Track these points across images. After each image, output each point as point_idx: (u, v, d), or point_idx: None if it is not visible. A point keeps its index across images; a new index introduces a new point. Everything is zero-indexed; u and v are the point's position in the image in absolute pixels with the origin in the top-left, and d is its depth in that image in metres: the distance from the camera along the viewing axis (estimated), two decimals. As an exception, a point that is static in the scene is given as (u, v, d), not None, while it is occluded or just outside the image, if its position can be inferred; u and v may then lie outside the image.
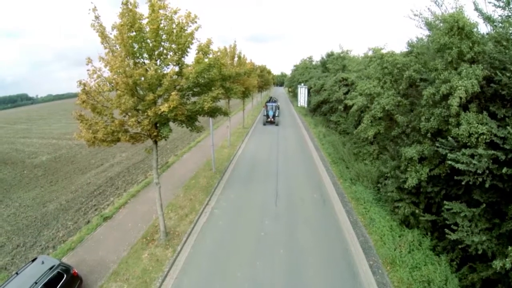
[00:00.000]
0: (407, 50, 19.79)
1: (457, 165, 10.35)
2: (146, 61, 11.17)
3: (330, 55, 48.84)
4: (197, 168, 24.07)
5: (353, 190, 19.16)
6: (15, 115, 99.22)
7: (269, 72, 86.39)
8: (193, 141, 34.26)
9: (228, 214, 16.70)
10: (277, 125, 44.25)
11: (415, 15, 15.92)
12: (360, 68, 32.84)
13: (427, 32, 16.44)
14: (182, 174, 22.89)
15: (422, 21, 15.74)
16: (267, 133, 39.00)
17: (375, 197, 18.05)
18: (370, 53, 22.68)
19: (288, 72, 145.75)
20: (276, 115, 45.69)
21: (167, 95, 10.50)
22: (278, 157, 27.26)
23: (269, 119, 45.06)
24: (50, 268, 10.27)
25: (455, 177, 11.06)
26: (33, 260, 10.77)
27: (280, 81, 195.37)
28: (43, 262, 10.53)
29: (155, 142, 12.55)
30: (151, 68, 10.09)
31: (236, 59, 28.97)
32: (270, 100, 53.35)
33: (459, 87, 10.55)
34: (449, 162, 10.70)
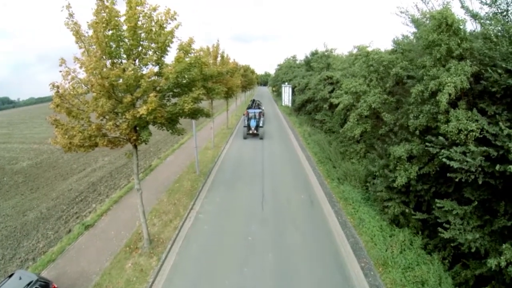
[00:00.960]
0: (392, 48, 19.70)
1: (451, 163, 10.11)
2: (124, 61, 10.47)
3: (314, 53, 48.74)
4: (181, 171, 23.33)
5: (341, 190, 18.88)
6: (1, 118, 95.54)
7: (252, 72, 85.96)
8: (177, 143, 33.42)
9: (213, 218, 16.10)
10: (261, 138, 34.32)
11: (401, 12, 15.82)
12: (345, 66, 32.79)
13: (413, 30, 16.39)
14: (166, 177, 22.13)
15: (409, 18, 15.63)
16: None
17: (364, 196, 17.82)
18: (355, 51, 22.48)
19: (272, 71, 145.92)
20: (260, 125, 35.87)
21: (146, 96, 9.84)
22: (264, 157, 26.80)
23: (250, 131, 34.82)
24: (28, 284, 9.58)
25: (448, 175, 10.83)
26: (10, 276, 10.09)
27: (264, 80, 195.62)
28: (20, 278, 9.83)
29: (135, 147, 11.83)
30: (129, 68, 9.40)
31: (219, 58, 28.37)
32: (253, 104, 43.50)
33: (448, 84, 10.34)
34: (443, 159, 10.43)
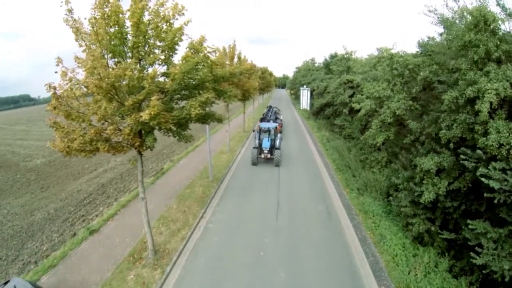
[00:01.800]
0: (416, 51, 18.40)
1: (490, 182, 8.85)
2: (129, 60, 9.77)
3: (333, 56, 47.52)
4: (193, 175, 22.63)
5: (360, 202, 17.64)
6: (16, 116, 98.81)
7: (271, 74, 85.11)
8: (191, 145, 32.90)
9: (224, 229, 15.19)
10: (277, 165, 24.25)
11: (429, 11, 14.58)
12: (365, 69, 31.45)
13: (441, 30, 15.13)
14: (177, 182, 21.47)
15: (438, 18, 14.37)
16: (269, 137, 37.30)
17: (385, 209, 16.55)
18: (377, 53, 21.29)
19: (290, 74, 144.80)
20: (277, 146, 25.36)
21: (149, 100, 9.09)
22: (282, 164, 25.72)
23: (262, 155, 24.80)
24: None
25: (485, 195, 9.57)
26: (5, 283, 9.63)
27: (282, 83, 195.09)
28: (15, 287, 9.32)
29: (139, 153, 11.10)
30: (130, 68, 8.67)
31: (236, 59, 27.61)
32: (268, 113, 35.05)
33: (489, 90, 9.09)
34: (482, 179, 9.18)
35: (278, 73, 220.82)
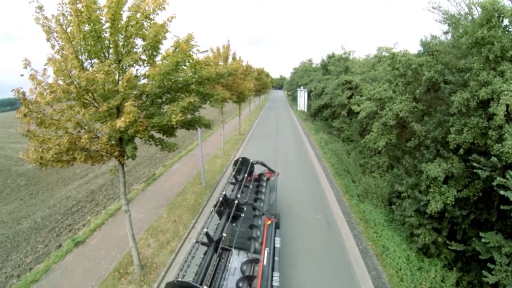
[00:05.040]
0: (419, 50, 17.49)
1: (508, 194, 7.89)
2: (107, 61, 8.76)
3: (331, 56, 46.57)
4: (185, 181, 21.60)
5: (361, 209, 16.68)
6: (12, 118, 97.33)
7: (267, 75, 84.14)
8: (185, 149, 31.86)
9: (215, 241, 14.18)
10: None
11: (434, 7, 13.68)
12: (364, 70, 30.58)
13: (445, 28, 14.23)
14: (169, 188, 20.47)
15: (443, 14, 13.47)
16: (265, 139, 36.33)
17: (387, 218, 15.61)
18: (376, 53, 20.39)
19: (287, 75, 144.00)
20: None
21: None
22: (277, 167, 24.67)
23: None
24: None
25: (501, 207, 8.63)
26: None
27: (279, 84, 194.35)
28: None
29: (120, 163, 10.07)
30: (103, 70, 7.65)
31: (230, 60, 26.61)
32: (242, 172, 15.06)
33: (505, 92, 8.17)
34: (499, 191, 8.24)
35: (275, 74, 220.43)
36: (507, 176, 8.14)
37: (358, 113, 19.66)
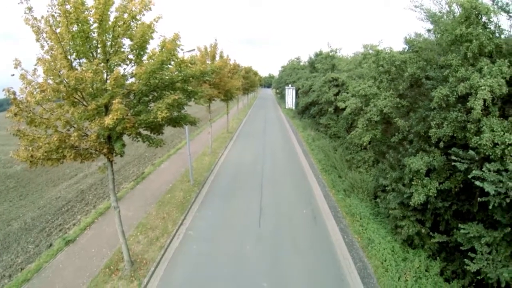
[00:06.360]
0: (403, 48, 17.92)
1: (485, 185, 8.22)
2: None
3: (318, 54, 47.03)
4: (174, 179, 21.62)
5: (347, 204, 17.02)
6: (1, 120, 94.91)
7: (255, 73, 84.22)
8: (173, 147, 31.76)
9: (204, 236, 14.29)
10: None
11: (416, 6, 14.04)
12: (350, 67, 31.01)
13: (428, 26, 14.61)
14: (157, 187, 20.44)
15: (425, 12, 13.84)
16: (253, 137, 36.56)
17: (372, 211, 15.98)
18: (362, 50, 20.71)
19: (276, 73, 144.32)
20: None
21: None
22: (264, 164, 24.91)
23: None
24: None
25: (479, 199, 8.99)
26: None
27: (268, 82, 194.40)
28: None
29: (109, 160, 10.12)
30: (91, 69, 7.71)
31: (218, 59, 26.61)
32: None
33: (482, 87, 8.50)
34: (476, 182, 8.56)
35: (264, 72, 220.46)
36: (484, 169, 8.48)
37: (344, 109, 19.98)
